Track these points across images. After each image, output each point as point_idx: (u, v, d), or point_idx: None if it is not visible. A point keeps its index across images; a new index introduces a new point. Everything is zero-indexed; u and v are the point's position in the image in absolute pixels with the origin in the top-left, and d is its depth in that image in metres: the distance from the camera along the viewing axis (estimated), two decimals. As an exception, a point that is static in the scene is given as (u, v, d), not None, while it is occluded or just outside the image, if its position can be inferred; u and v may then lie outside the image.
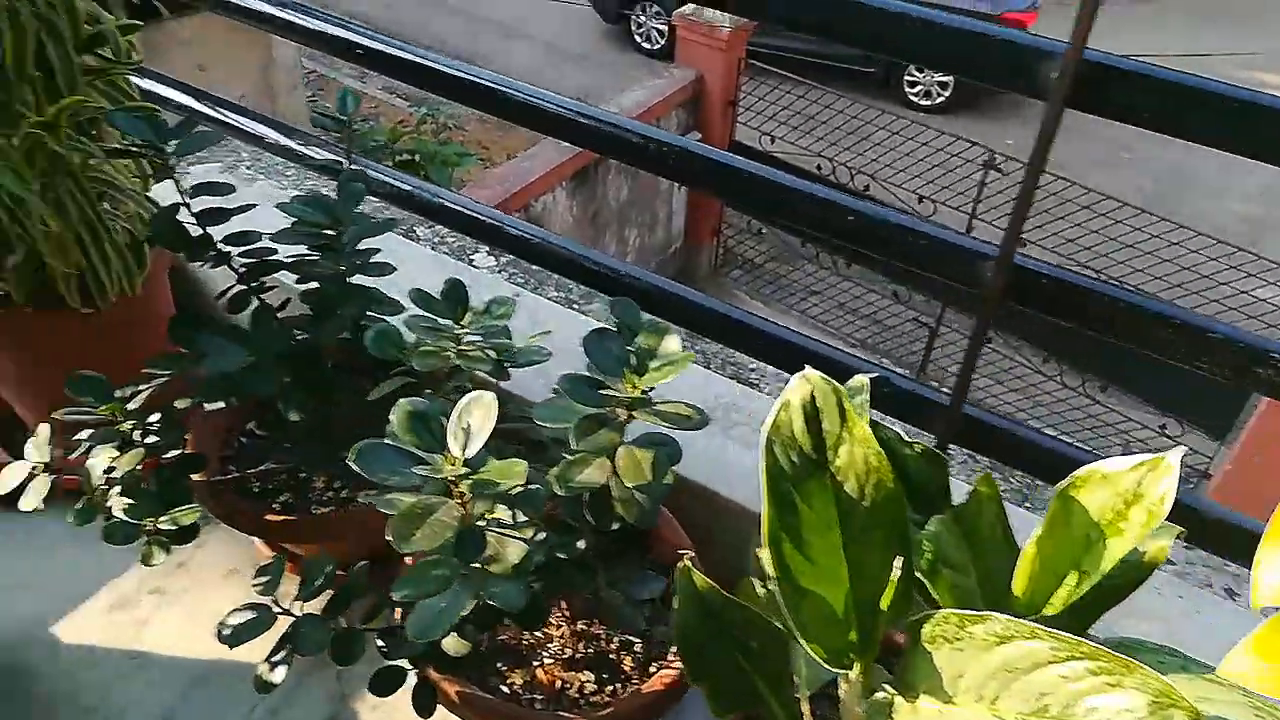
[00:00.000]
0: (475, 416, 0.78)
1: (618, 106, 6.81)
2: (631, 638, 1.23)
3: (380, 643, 1.09)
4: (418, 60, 1.49)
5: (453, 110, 9.33)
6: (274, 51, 4.79)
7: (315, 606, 1.09)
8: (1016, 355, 7.04)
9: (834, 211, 1.21)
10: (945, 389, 1.30)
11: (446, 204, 1.56)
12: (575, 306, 2.22)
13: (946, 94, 10.39)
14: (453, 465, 0.77)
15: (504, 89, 1.41)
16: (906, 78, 10.51)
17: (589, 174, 6.64)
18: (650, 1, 11.14)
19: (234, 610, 1.08)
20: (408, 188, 1.57)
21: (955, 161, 7.05)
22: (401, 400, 0.80)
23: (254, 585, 1.09)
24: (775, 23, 1.13)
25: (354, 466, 0.76)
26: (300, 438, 1.44)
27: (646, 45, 11.38)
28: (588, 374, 0.87)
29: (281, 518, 1.35)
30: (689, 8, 7.17)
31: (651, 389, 0.88)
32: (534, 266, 2.27)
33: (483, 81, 1.44)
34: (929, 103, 10.42)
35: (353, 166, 1.38)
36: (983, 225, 6.76)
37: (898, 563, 0.76)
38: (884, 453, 0.78)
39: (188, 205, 1.30)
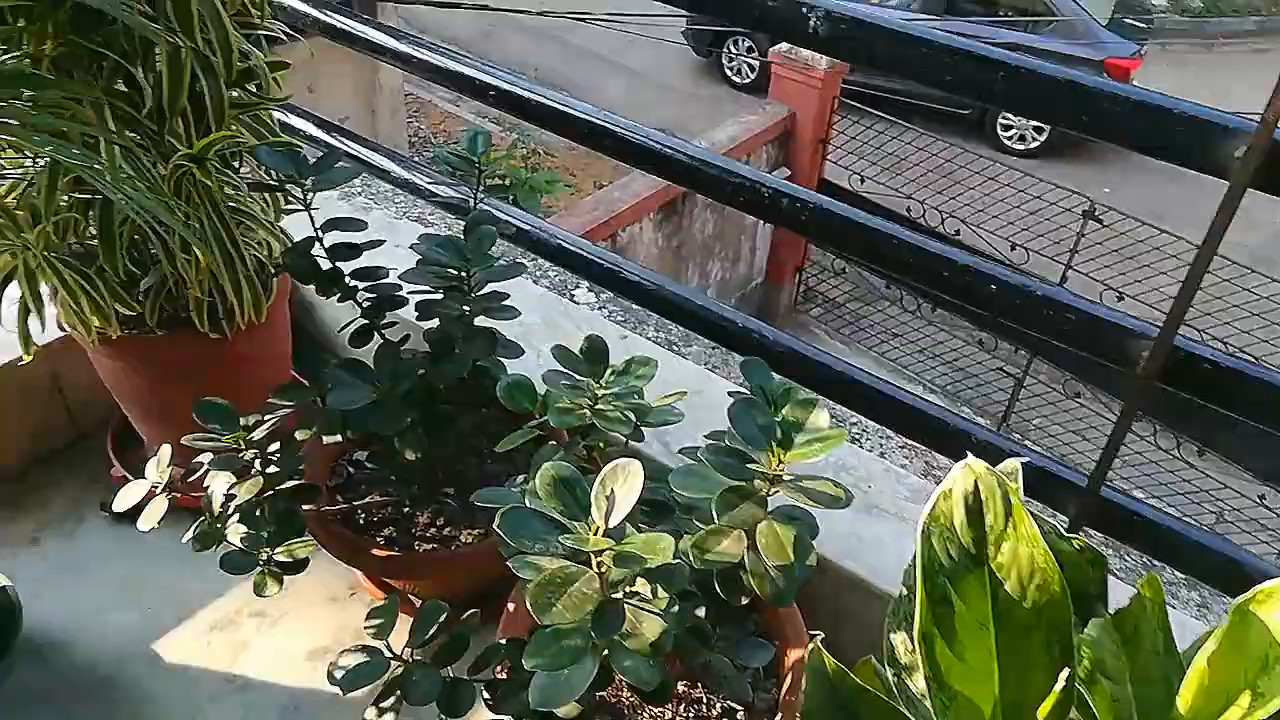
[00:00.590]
0: (620, 486, 0.76)
1: (709, 141, 6.82)
2: (734, 705, 1.19)
3: (486, 695, 1.07)
4: (515, 90, 1.50)
5: (543, 137, 9.48)
6: (379, 76, 4.92)
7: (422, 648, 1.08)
8: (1106, 412, 6.80)
9: (968, 278, 1.17)
10: (1079, 468, 1.24)
11: (564, 245, 1.56)
12: (675, 348, 2.20)
13: (1041, 138, 10.18)
14: (595, 535, 0.75)
15: (598, 121, 1.41)
16: (1000, 121, 10.33)
17: (676, 207, 6.66)
18: (743, 36, 11.18)
19: (345, 651, 1.08)
20: (528, 227, 1.57)
21: (1050, 209, 6.87)
22: (546, 465, 0.78)
23: (367, 629, 1.08)
24: (924, 83, 1.10)
25: (499, 532, 0.75)
26: (408, 473, 1.44)
27: (737, 79, 11.42)
28: (730, 444, 0.85)
29: (389, 553, 1.35)
30: (785, 45, 7.16)
31: (791, 462, 0.85)
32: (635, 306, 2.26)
33: (577, 113, 1.44)
34: (1023, 147, 10.21)
35: (480, 206, 1.38)
36: (1075, 275, 6.58)
37: (1064, 673, 0.71)
38: (1050, 552, 0.74)
39: (320, 239, 1.32)
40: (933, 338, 7.77)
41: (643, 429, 1.01)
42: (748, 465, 0.83)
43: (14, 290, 1.31)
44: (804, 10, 1.11)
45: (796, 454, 0.83)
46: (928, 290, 1.19)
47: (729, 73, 11.52)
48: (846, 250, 1.34)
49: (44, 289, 1.34)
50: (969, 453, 0.74)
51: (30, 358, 1.35)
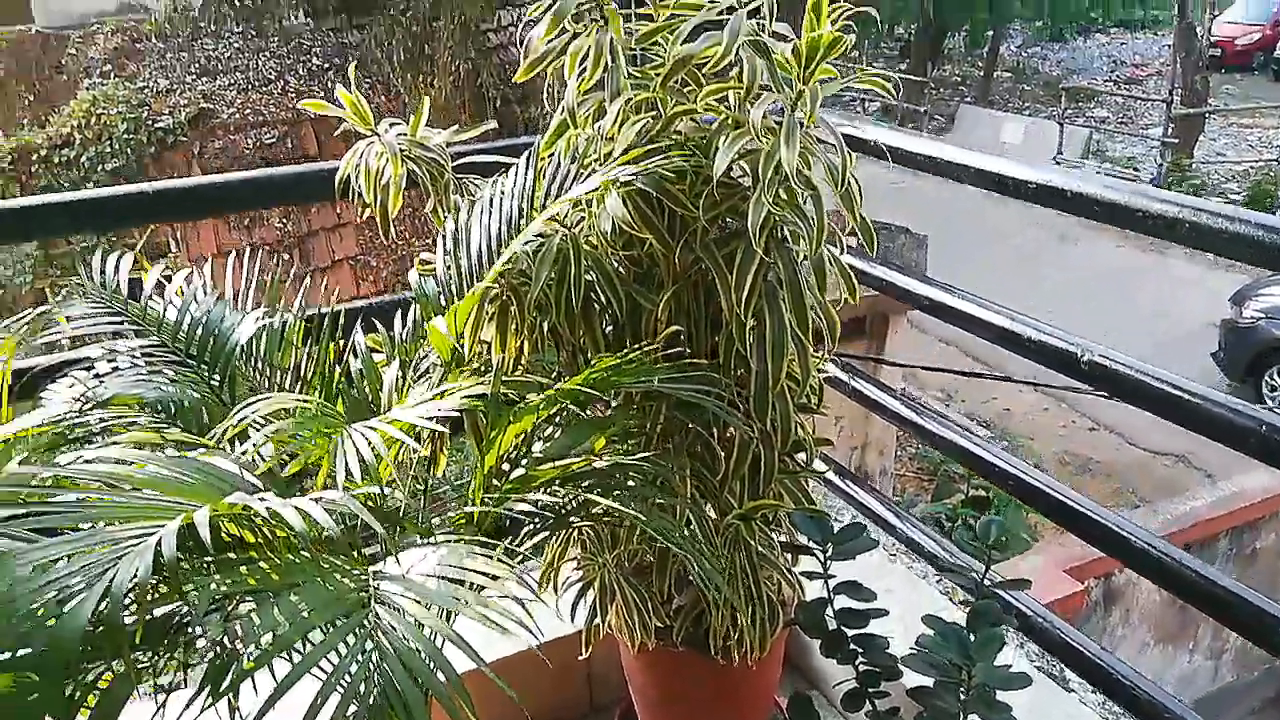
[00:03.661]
0: None
1: (1239, 487, 6.01)
2: None
3: None
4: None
5: (1036, 449, 9.11)
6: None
7: None
8: None
9: None
10: None
11: (1071, 642, 1.51)
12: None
13: None
14: None
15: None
16: None
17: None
18: (1291, 366, 9.92)
19: None
20: (1037, 618, 1.56)
21: None
22: None
23: None
24: None
25: None
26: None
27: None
28: None
29: None
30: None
31: None
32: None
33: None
34: None
35: (989, 592, 1.42)
36: None
37: None
38: None
39: (831, 602, 1.45)
40: None
41: None
42: None
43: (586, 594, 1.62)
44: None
45: None
46: None
47: (1269, 403, 10.20)
48: None
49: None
50: None
51: (588, 652, 1.64)
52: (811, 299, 1.41)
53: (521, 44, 1.48)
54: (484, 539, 1.18)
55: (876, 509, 1.94)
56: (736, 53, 1.28)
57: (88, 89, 9.83)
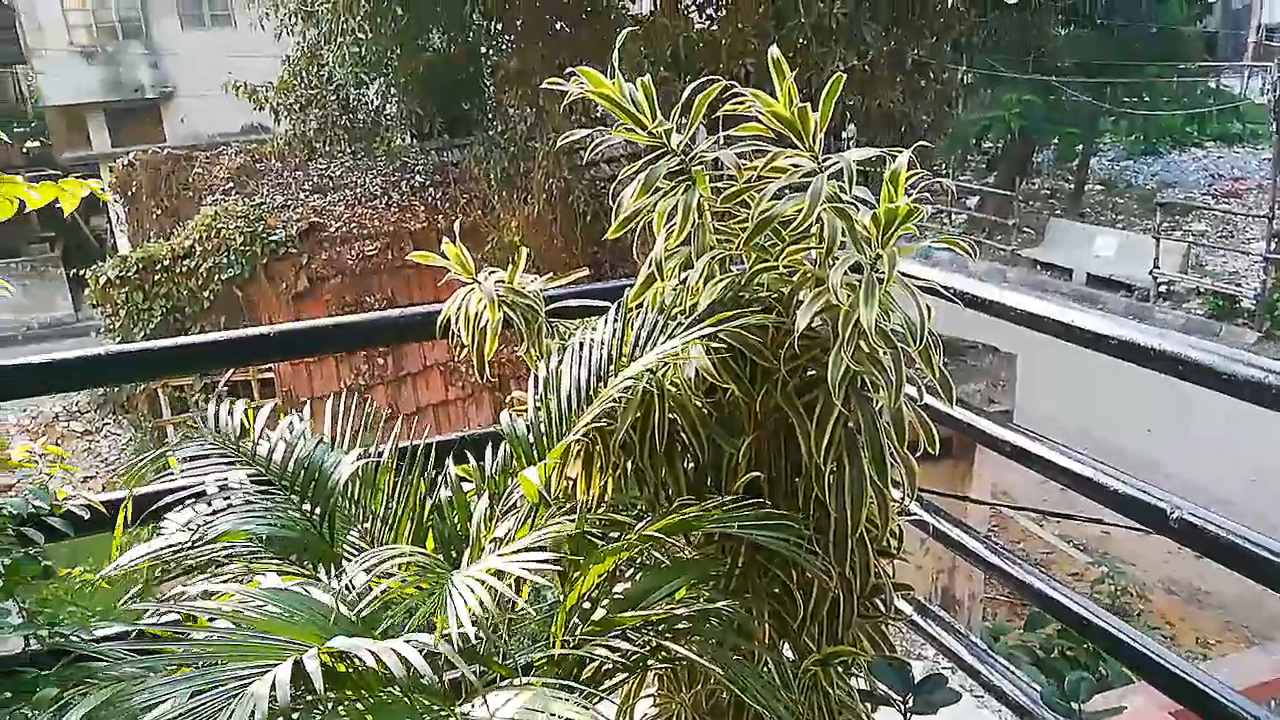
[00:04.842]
0: None
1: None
2: None
3: None
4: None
5: (1137, 574, 8.65)
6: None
7: None
8: None
9: None
10: None
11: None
12: None
13: None
14: None
15: None
16: None
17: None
18: None
19: None
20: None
21: None
22: None
23: None
24: None
25: None
26: None
27: None
28: None
29: None
30: None
31: None
32: None
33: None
34: None
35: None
36: None
37: None
38: None
39: (913, 757, 1.42)
40: None
41: None
42: None
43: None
44: None
45: None
46: None
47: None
48: None
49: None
50: None
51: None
52: (890, 447, 1.44)
53: (604, 161, 1.58)
54: (565, 682, 1.21)
55: (960, 652, 1.90)
56: (818, 214, 1.35)
57: (210, 204, 10.59)
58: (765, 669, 1.45)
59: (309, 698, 1.01)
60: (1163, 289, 14.68)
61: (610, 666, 1.38)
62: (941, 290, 1.49)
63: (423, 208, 11.29)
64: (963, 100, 12.00)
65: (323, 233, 10.63)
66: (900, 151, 1.33)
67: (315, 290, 10.47)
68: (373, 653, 1.00)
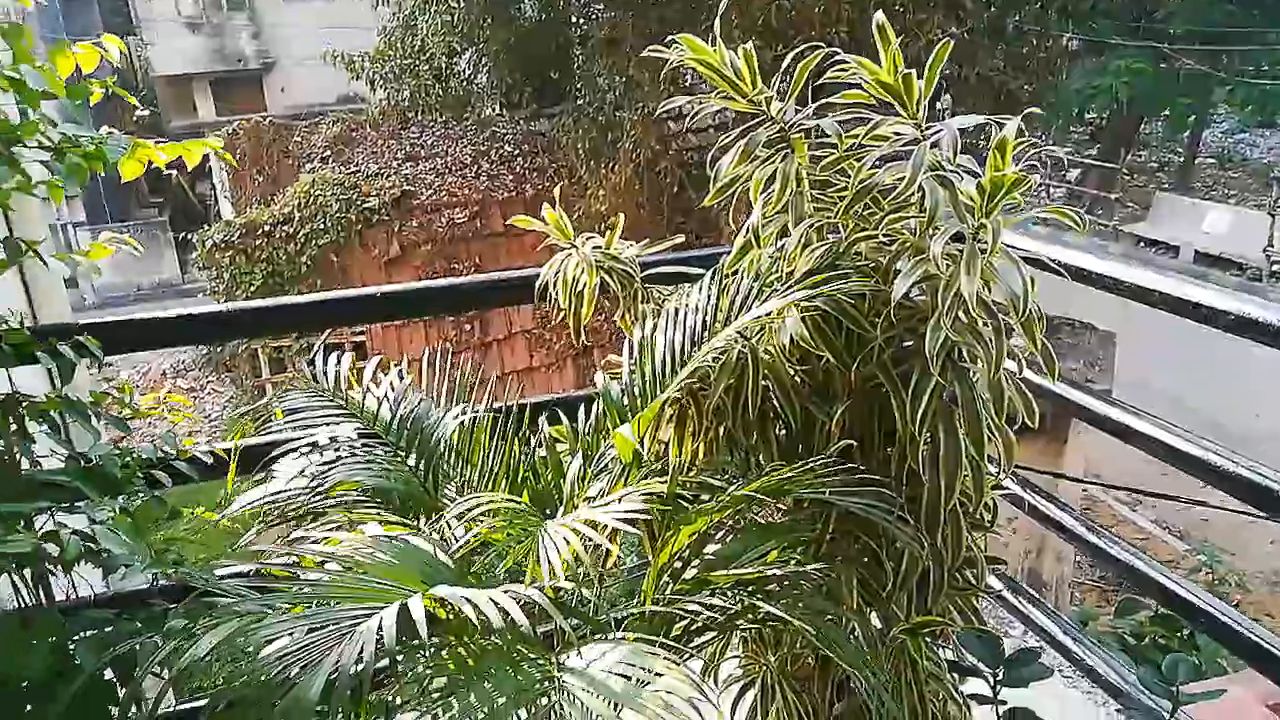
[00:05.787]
0: None
1: None
2: None
3: None
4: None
5: (1237, 563, 8.31)
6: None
7: None
8: None
9: None
10: None
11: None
12: None
13: None
14: None
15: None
16: None
17: None
18: None
19: None
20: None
21: None
22: None
23: None
24: None
25: None
26: None
27: None
28: None
29: None
30: None
31: None
32: None
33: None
34: None
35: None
36: None
37: None
38: None
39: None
40: None
41: None
42: None
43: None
44: None
45: None
46: None
47: None
48: None
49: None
50: None
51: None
52: (988, 419, 1.42)
53: (691, 131, 1.58)
54: (656, 638, 1.24)
55: (1052, 630, 1.87)
56: (919, 183, 1.34)
57: (309, 172, 10.92)
58: (853, 635, 1.45)
59: (414, 641, 1.07)
60: (1276, 268, 13.94)
61: (699, 626, 1.41)
62: (1046, 263, 1.46)
63: (510, 177, 11.43)
64: (1066, 68, 11.49)
65: (414, 201, 10.86)
66: (1008, 119, 1.30)
67: (406, 257, 10.73)
68: (472, 603, 1.04)
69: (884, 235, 1.42)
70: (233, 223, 10.48)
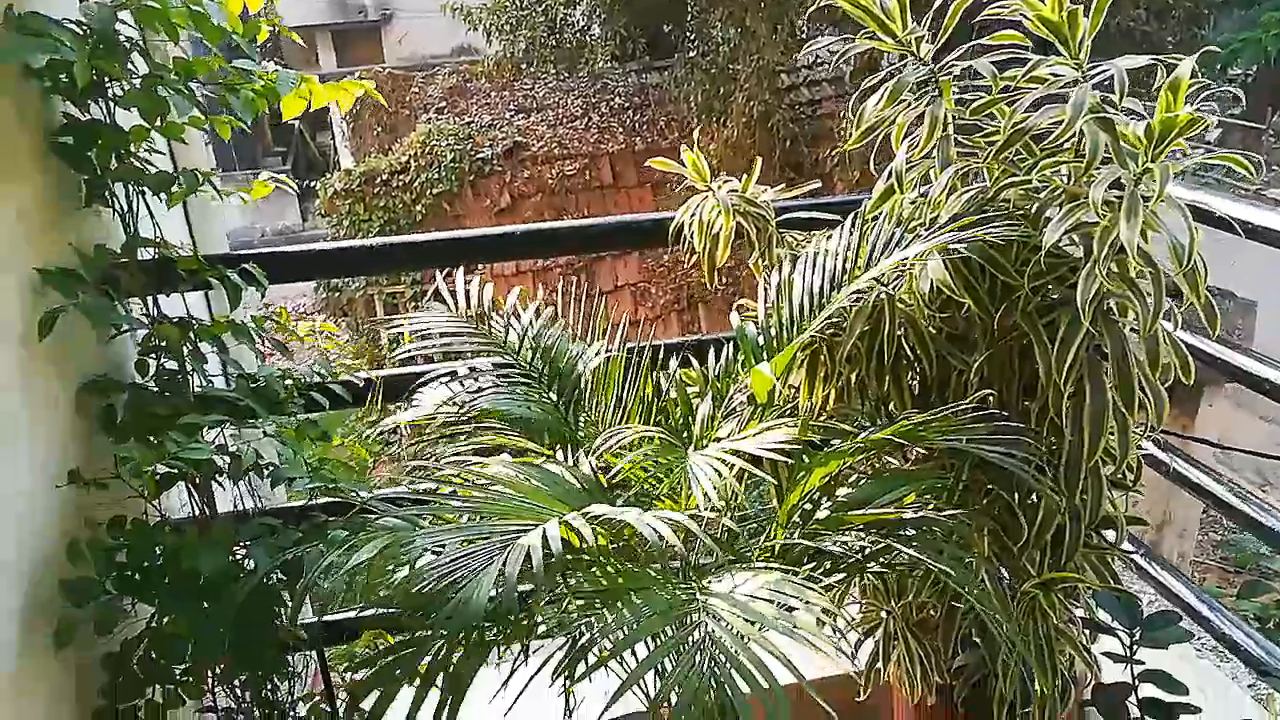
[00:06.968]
0: None
1: None
2: None
3: None
4: None
5: (1375, 553, 7.80)
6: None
7: None
8: None
9: None
10: None
11: None
12: None
13: None
14: None
15: None
16: None
17: None
18: None
19: None
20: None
21: None
22: None
23: None
24: None
25: None
26: None
27: None
28: None
29: None
30: None
31: None
32: None
33: None
34: None
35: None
36: None
37: None
38: None
39: (1135, 689, 1.40)
40: None
41: None
42: None
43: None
44: None
45: None
46: None
47: None
48: None
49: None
50: None
51: (866, 695, 1.68)
52: (1139, 375, 1.38)
53: (805, 84, 1.56)
54: (790, 568, 1.27)
55: (1187, 598, 1.82)
56: (1079, 127, 1.29)
57: (425, 123, 11.15)
58: (983, 584, 1.45)
59: (569, 557, 1.12)
60: None
61: (828, 567, 1.43)
62: (1217, 214, 1.39)
63: (620, 130, 11.42)
64: (1214, 19, 10.73)
65: (525, 152, 10.98)
66: (1180, 58, 1.24)
67: (517, 207, 10.88)
68: (626, 523, 1.08)
69: (1037, 181, 1.39)
70: (352, 171, 10.81)
